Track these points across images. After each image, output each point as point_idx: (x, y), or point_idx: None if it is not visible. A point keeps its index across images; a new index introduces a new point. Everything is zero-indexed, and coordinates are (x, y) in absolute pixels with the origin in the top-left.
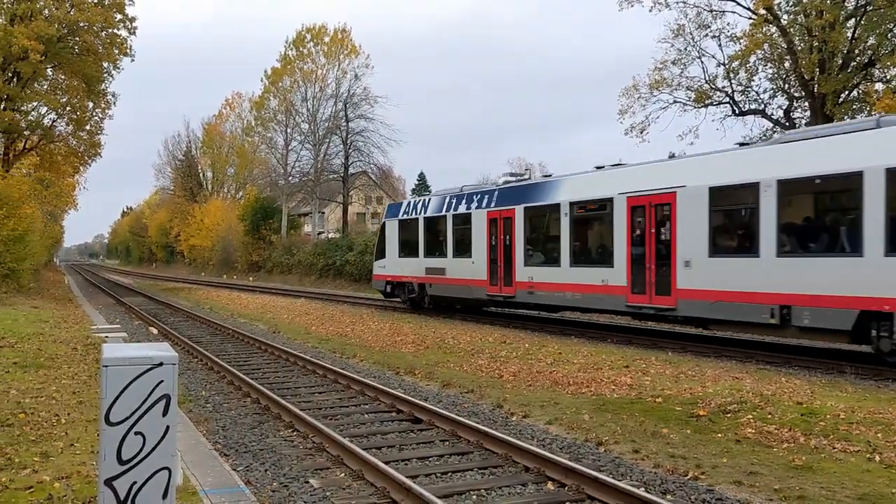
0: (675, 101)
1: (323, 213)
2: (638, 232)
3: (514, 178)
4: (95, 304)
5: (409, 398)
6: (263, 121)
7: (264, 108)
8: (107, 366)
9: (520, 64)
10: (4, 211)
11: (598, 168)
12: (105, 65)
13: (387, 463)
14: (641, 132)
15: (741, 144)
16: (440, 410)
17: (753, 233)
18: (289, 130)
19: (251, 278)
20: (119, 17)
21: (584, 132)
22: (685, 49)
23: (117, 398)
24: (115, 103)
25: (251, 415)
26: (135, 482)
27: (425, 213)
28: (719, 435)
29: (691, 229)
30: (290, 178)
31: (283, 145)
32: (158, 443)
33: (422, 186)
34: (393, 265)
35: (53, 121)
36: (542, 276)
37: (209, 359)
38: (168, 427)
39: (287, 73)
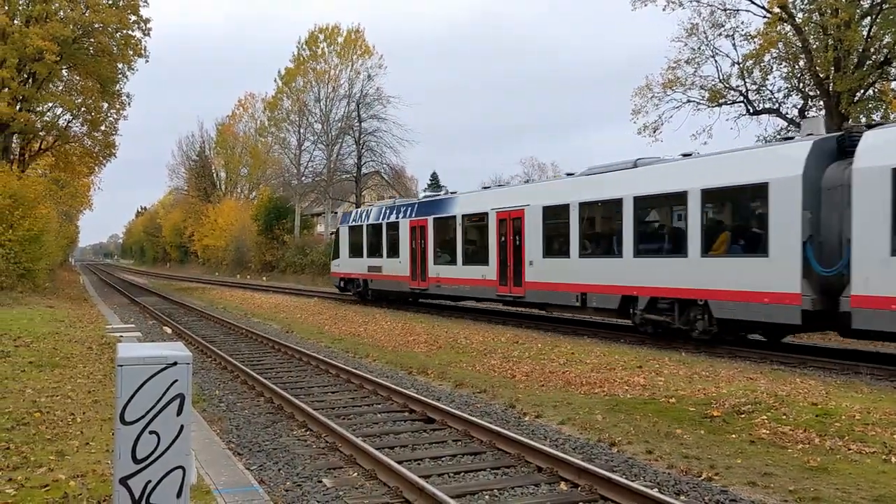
0: (688, 101)
1: (336, 213)
2: (503, 238)
3: (430, 195)
4: (110, 304)
5: (422, 398)
6: (277, 121)
7: (277, 108)
8: (121, 365)
9: (534, 63)
10: (20, 211)
11: (484, 188)
12: (119, 66)
13: (399, 462)
14: (654, 131)
15: (568, 174)
16: (453, 410)
17: (567, 240)
18: (302, 130)
19: (264, 278)
20: (133, 18)
21: (598, 131)
22: (699, 48)
23: (132, 397)
24: (129, 104)
25: (264, 414)
26: (149, 481)
27: (368, 220)
28: (733, 436)
29: (533, 237)
30: (303, 178)
31: (297, 145)
32: (173, 442)
33: (434, 186)
34: (345, 264)
35: (68, 121)
36: (445, 273)
37: (223, 358)
38: (182, 426)
39: (300, 74)
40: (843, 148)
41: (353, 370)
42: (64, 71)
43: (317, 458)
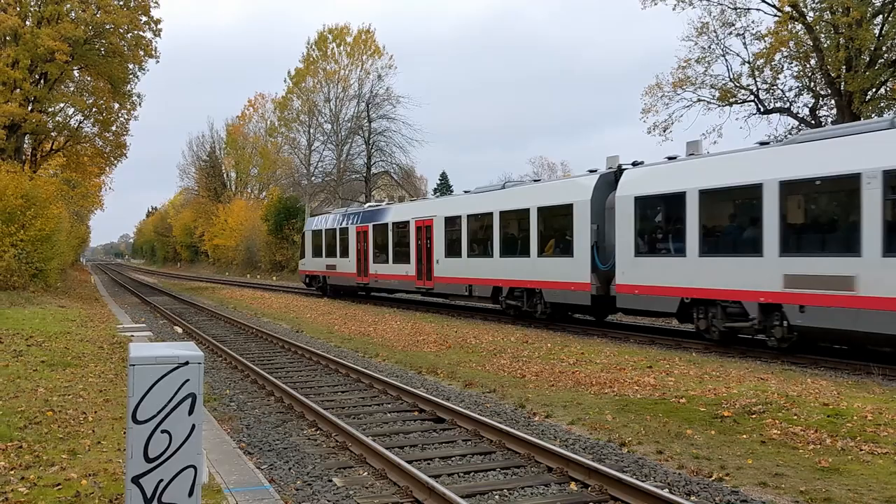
0: (698, 100)
1: None
2: (419, 242)
3: (372, 205)
4: (121, 304)
5: (432, 398)
6: (287, 121)
7: (287, 108)
8: (134, 365)
9: (545, 62)
10: (32, 211)
11: (411, 200)
12: (130, 66)
13: (409, 462)
14: (664, 131)
15: (465, 191)
16: (462, 410)
17: (460, 243)
18: (312, 131)
19: (274, 278)
20: (144, 19)
21: (610, 131)
22: (709, 47)
23: (144, 396)
24: (140, 104)
25: (275, 413)
26: (161, 480)
27: (326, 226)
28: (744, 436)
29: (439, 241)
30: (312, 178)
31: (306, 145)
32: (184, 441)
33: (444, 186)
34: (309, 263)
35: (80, 122)
36: (381, 270)
37: (233, 358)
38: (194, 425)
39: (310, 74)
40: (618, 179)
41: (363, 370)
42: (75, 71)
43: (327, 457)
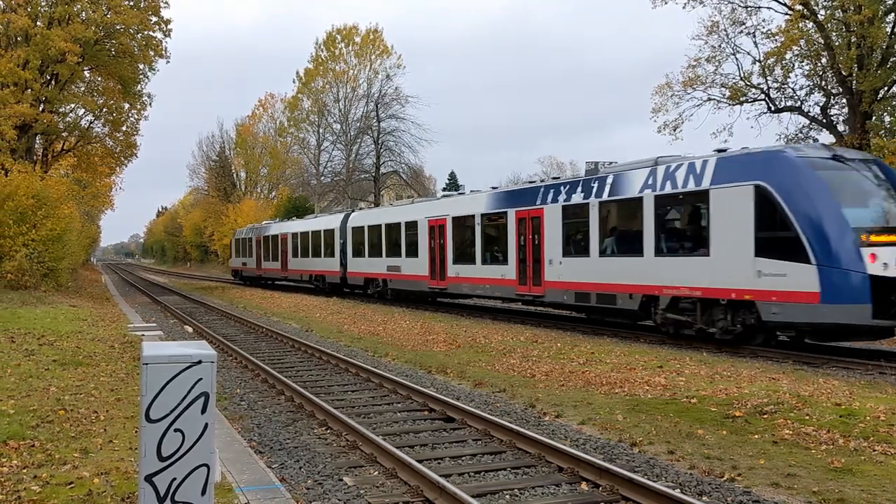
0: (709, 99)
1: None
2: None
3: (267, 222)
4: (132, 303)
5: (442, 397)
6: (296, 121)
7: (297, 108)
8: (147, 363)
9: (556, 62)
10: (43, 211)
11: (293, 219)
12: (140, 66)
13: (420, 461)
14: (675, 130)
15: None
16: (472, 409)
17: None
18: (321, 131)
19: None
20: (154, 19)
21: (622, 130)
22: (719, 46)
23: (157, 395)
24: (150, 104)
25: (285, 412)
26: (174, 478)
27: (242, 236)
28: (756, 436)
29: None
30: (321, 178)
31: (316, 145)
32: (197, 440)
33: (452, 185)
34: (234, 261)
35: (90, 122)
36: (267, 266)
37: (244, 357)
38: (207, 424)
39: (319, 74)
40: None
41: (373, 369)
42: (86, 72)
43: (337, 456)
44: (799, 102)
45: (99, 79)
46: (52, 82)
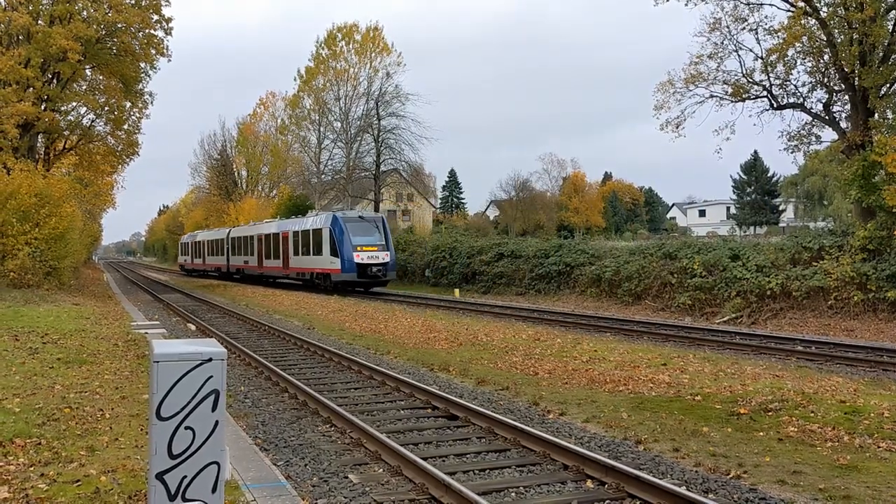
0: (711, 96)
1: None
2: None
3: (201, 231)
4: (134, 301)
5: (445, 395)
6: (297, 120)
7: (298, 107)
8: (158, 361)
9: (561, 61)
10: (46, 210)
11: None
12: (142, 65)
13: (424, 459)
14: (677, 127)
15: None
16: (476, 407)
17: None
18: (322, 129)
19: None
20: (155, 17)
21: (625, 128)
22: (721, 43)
23: (168, 393)
24: (151, 103)
25: (289, 410)
26: (185, 476)
27: (191, 240)
28: (761, 433)
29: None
30: (322, 177)
31: (316, 144)
32: (208, 437)
33: (452, 183)
34: (182, 258)
35: (92, 121)
36: (211, 261)
37: (247, 355)
38: (217, 422)
39: (320, 73)
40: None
41: (375, 367)
42: (87, 70)
43: (342, 453)
44: (801, 99)
45: (100, 77)
46: (54, 81)
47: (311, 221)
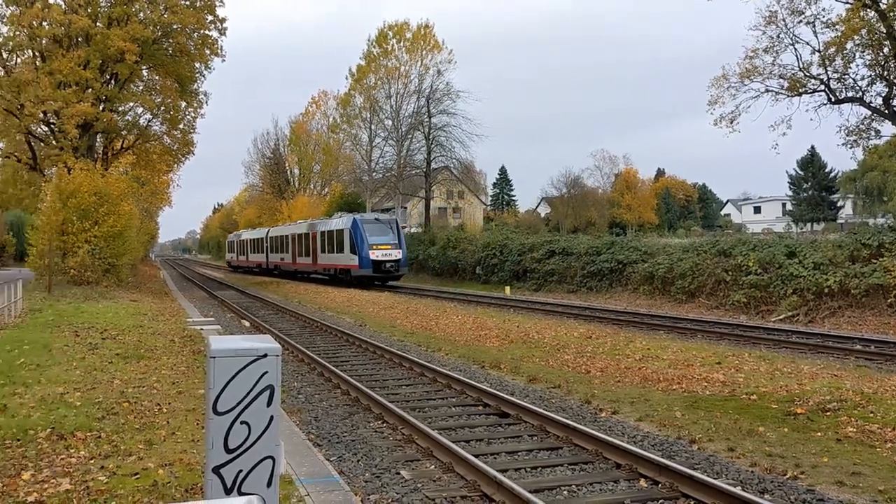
0: (766, 90)
1: (405, 207)
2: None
3: (246, 230)
4: (190, 298)
5: (496, 392)
6: (349, 118)
7: (349, 105)
8: (214, 357)
9: (612, 56)
10: (105, 208)
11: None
12: (197, 65)
13: (476, 456)
14: (731, 122)
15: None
16: (528, 405)
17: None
18: (373, 127)
19: None
20: (210, 18)
21: (677, 124)
22: (777, 36)
23: (224, 388)
24: (206, 102)
25: (341, 406)
26: (241, 470)
27: (231, 239)
28: (819, 434)
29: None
30: (373, 174)
31: (368, 142)
32: (263, 432)
33: (503, 181)
34: (229, 255)
35: (149, 121)
36: (254, 258)
37: (300, 351)
38: (272, 417)
39: (371, 71)
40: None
41: (427, 363)
42: (144, 71)
43: (394, 449)
44: (860, 93)
45: (156, 77)
46: (112, 81)
47: (335, 223)
